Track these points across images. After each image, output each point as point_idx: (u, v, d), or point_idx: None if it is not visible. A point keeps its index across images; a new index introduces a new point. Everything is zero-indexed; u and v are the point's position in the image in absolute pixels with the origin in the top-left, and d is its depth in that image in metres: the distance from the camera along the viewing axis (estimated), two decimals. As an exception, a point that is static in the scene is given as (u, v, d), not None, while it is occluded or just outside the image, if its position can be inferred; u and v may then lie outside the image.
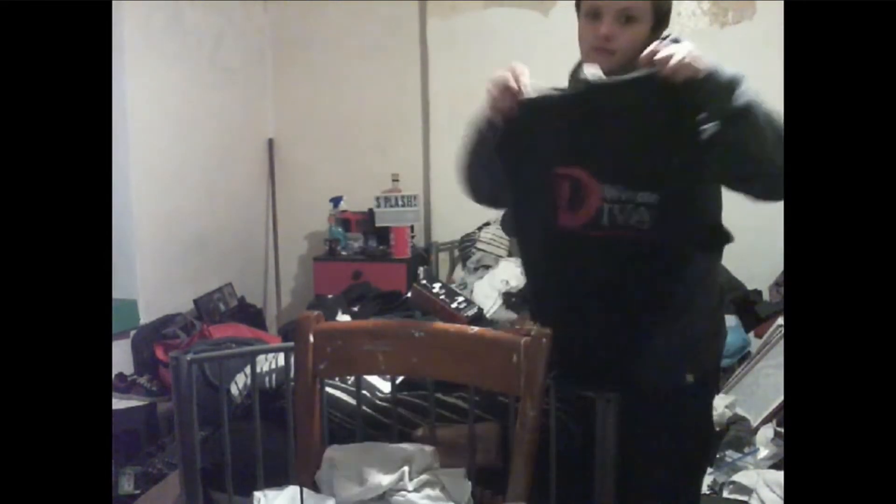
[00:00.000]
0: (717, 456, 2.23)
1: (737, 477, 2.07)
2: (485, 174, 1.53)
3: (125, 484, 2.39)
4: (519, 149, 1.46)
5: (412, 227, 3.89)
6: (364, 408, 1.83)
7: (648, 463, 1.46)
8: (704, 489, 2.02)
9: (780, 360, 2.48)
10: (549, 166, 1.43)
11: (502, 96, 1.39)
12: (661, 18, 1.42)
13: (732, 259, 1.69)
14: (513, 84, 1.38)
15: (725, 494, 2.04)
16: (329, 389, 1.87)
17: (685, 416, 1.49)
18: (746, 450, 2.24)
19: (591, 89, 1.36)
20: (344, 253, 3.92)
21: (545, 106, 1.41)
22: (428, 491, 1.48)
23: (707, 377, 1.54)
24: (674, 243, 1.40)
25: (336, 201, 3.96)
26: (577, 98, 1.41)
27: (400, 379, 1.85)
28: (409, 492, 1.48)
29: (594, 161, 1.40)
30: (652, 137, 1.34)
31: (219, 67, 3.80)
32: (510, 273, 3.22)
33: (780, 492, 1.96)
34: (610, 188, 1.38)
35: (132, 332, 3.20)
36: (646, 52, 1.29)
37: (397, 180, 3.85)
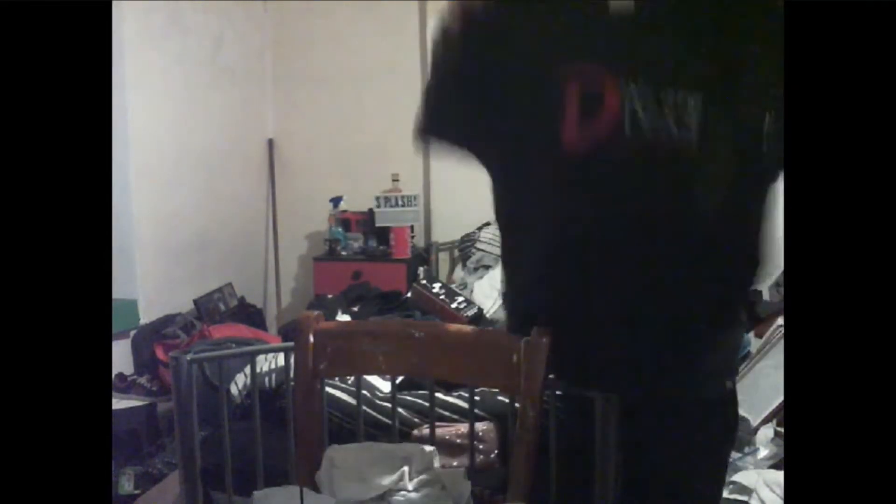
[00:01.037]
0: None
1: (737, 477, 2.07)
2: (451, 105, 1.18)
3: (125, 484, 2.39)
4: (499, 51, 1.11)
5: (412, 227, 3.90)
6: (364, 408, 1.83)
7: (684, 471, 1.34)
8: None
9: (780, 360, 2.48)
10: (549, 66, 1.09)
11: None
12: None
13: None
14: None
15: (725, 494, 2.03)
16: (329, 389, 1.87)
17: (724, 422, 1.40)
18: (746, 450, 2.23)
19: None
20: (344, 253, 3.92)
21: None
22: (428, 491, 1.48)
23: (735, 379, 1.45)
24: (724, 165, 1.08)
25: (336, 201, 3.96)
26: None
27: (400, 379, 1.85)
28: (409, 492, 1.48)
29: (619, 50, 1.07)
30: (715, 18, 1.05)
31: (219, 67, 3.80)
32: (510, 273, 3.21)
33: (780, 492, 1.96)
34: (638, 87, 1.06)
35: (132, 332, 3.21)
36: None
37: (397, 180, 3.85)
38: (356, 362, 1.64)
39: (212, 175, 3.75)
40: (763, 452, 2.23)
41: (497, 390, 1.79)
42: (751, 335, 2.99)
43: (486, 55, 1.11)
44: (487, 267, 3.41)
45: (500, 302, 3.12)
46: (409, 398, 2.00)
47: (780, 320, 2.70)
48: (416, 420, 1.96)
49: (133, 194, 3.21)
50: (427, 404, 1.73)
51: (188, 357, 1.70)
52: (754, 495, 2.00)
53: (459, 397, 1.95)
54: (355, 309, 3.09)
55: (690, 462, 1.33)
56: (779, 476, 2.02)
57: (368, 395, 2.00)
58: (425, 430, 1.78)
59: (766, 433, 2.30)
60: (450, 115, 1.20)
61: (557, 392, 1.40)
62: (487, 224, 3.66)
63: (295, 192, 4.22)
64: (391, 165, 3.92)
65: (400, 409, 1.83)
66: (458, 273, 3.66)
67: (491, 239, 3.62)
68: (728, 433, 1.43)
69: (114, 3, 2.91)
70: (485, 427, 1.74)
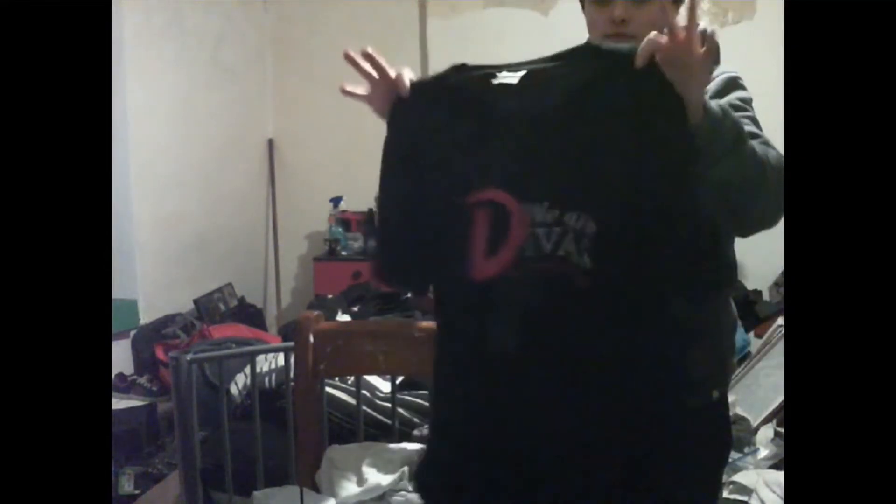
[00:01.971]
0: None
1: (737, 477, 2.07)
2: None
3: (125, 484, 2.39)
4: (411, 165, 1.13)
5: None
6: (364, 408, 1.83)
7: (671, 482, 1.20)
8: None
9: (780, 360, 2.48)
10: (458, 192, 1.07)
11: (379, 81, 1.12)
12: None
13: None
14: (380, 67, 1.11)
15: (725, 494, 2.03)
16: (329, 389, 1.87)
17: (709, 434, 1.29)
18: (746, 450, 2.23)
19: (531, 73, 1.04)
20: (344, 253, 3.92)
21: (456, 97, 1.09)
22: (428, 491, 1.48)
23: (726, 388, 1.36)
24: (624, 287, 1.03)
25: (336, 201, 3.96)
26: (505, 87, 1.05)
27: (400, 379, 1.85)
28: (409, 492, 1.48)
29: (525, 174, 1.04)
30: (612, 137, 1.01)
31: (219, 67, 3.80)
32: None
33: (780, 492, 1.96)
34: (543, 209, 1.03)
35: (132, 332, 3.21)
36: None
37: (397, 180, 3.85)
38: (356, 362, 1.65)
39: (212, 175, 3.74)
40: (763, 452, 2.23)
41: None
42: (751, 335, 2.99)
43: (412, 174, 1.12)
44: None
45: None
46: (409, 398, 2.00)
47: (780, 320, 2.70)
48: (416, 420, 1.96)
49: (133, 194, 3.21)
50: (427, 404, 1.73)
51: (188, 357, 1.71)
52: (754, 495, 2.00)
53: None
54: (355, 309, 3.09)
55: (671, 477, 1.19)
56: (779, 476, 2.02)
57: (368, 395, 2.00)
58: (425, 430, 1.78)
59: (766, 433, 2.30)
60: (401, 264, 1.19)
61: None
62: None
63: (295, 192, 4.22)
64: (391, 165, 3.92)
65: (400, 409, 1.83)
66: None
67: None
68: (716, 447, 1.31)
69: (114, 3, 2.91)
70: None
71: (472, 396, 1.12)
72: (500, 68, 1.07)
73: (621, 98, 1.00)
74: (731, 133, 1.03)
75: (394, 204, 1.17)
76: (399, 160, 1.16)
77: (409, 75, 1.13)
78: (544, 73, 1.04)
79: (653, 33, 0.99)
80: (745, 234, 1.14)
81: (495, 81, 1.06)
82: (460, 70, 1.11)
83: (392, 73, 1.12)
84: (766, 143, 1.08)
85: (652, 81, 0.97)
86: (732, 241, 1.26)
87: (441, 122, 1.10)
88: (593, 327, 1.04)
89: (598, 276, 1.01)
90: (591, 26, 1.25)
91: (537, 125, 1.04)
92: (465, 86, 1.09)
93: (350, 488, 1.52)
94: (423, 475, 1.21)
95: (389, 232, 1.19)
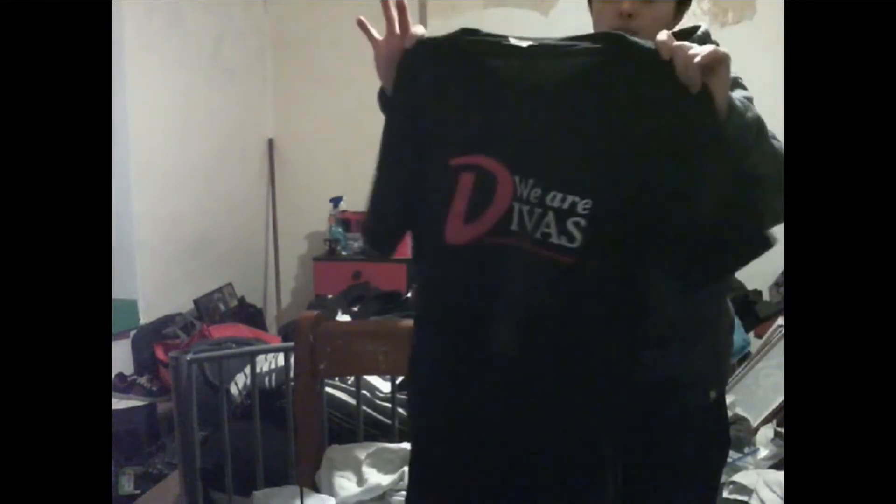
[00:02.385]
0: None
1: (737, 477, 2.07)
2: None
3: (125, 484, 2.39)
4: (407, 124, 1.13)
5: (412, 227, 3.89)
6: (364, 408, 1.83)
7: (670, 482, 1.25)
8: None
9: (780, 360, 2.48)
10: (448, 153, 1.06)
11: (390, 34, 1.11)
12: None
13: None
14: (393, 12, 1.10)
15: (725, 494, 2.03)
16: (329, 389, 1.87)
17: (707, 436, 1.29)
18: (746, 450, 2.24)
19: (543, 50, 1.03)
20: (344, 253, 3.92)
21: (456, 60, 1.10)
22: (428, 491, 1.48)
23: (724, 388, 1.36)
24: (614, 275, 1.01)
25: (336, 201, 3.96)
26: (515, 57, 1.05)
27: (400, 379, 1.85)
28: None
29: (519, 147, 1.02)
30: (616, 121, 1.00)
31: (219, 67, 3.80)
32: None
33: (780, 492, 1.96)
34: (528, 188, 1.01)
35: (132, 332, 3.20)
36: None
37: (397, 180, 3.85)
38: (356, 362, 1.65)
39: (212, 175, 3.74)
40: (763, 452, 2.23)
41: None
42: (751, 335, 3.00)
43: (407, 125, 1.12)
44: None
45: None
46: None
47: (780, 320, 2.70)
48: (416, 420, 1.95)
49: (133, 194, 3.21)
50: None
51: (188, 357, 1.71)
52: (754, 495, 2.00)
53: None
54: (355, 309, 3.09)
55: (670, 477, 1.21)
56: (779, 476, 2.02)
57: (368, 395, 2.00)
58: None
59: (766, 433, 2.30)
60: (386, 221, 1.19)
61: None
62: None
63: (295, 192, 4.22)
64: (391, 165, 3.91)
65: (400, 409, 1.83)
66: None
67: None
68: (714, 447, 1.30)
69: (114, 3, 2.91)
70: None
71: (453, 384, 1.08)
72: (512, 38, 1.07)
73: (638, 86, 0.99)
74: (755, 125, 1.03)
75: (388, 160, 1.16)
76: (399, 117, 1.15)
77: (420, 31, 1.15)
78: (556, 50, 1.04)
79: (664, 32, 0.98)
80: (765, 229, 1.13)
81: (504, 49, 1.06)
82: (470, 34, 1.11)
83: (410, 29, 1.15)
84: (774, 137, 1.09)
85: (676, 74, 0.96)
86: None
87: (444, 82, 1.10)
88: (579, 318, 1.02)
89: (579, 263, 0.99)
90: (598, 20, 1.27)
91: (540, 100, 1.03)
92: (473, 49, 1.09)
93: (350, 488, 1.52)
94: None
95: (378, 188, 1.17)
